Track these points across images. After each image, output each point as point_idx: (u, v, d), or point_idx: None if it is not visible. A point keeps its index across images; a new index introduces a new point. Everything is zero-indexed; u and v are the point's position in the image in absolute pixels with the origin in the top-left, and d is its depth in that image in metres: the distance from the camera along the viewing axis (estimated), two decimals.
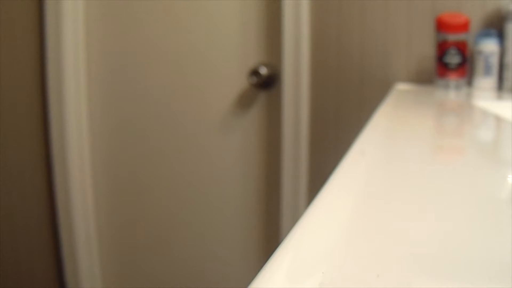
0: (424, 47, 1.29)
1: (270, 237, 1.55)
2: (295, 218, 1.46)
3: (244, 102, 1.51)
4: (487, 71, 1.16)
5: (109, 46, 1.61)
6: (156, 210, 1.65)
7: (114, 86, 1.62)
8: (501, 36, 1.19)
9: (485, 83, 1.16)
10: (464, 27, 1.15)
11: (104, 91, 1.63)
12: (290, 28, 1.38)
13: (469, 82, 1.23)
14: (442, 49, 1.16)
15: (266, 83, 1.45)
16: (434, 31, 1.28)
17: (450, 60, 1.16)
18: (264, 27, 1.46)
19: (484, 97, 1.08)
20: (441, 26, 1.15)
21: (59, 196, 1.63)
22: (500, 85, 1.18)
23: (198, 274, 1.64)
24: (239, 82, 1.51)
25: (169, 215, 1.64)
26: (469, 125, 0.82)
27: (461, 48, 1.15)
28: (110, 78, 1.62)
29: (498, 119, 0.82)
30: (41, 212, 1.69)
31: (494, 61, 1.15)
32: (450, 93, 1.15)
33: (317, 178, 1.43)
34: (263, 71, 1.43)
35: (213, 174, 1.57)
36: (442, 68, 1.17)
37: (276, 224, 1.53)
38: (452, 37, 1.15)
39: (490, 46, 1.15)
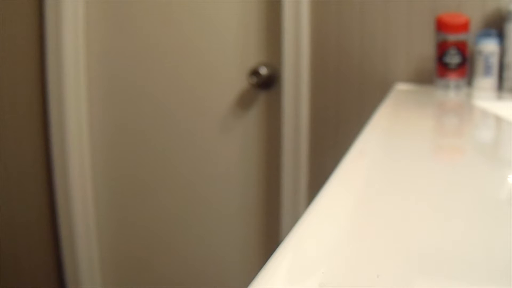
0: (424, 47, 1.29)
1: (270, 237, 1.55)
2: (295, 218, 1.46)
3: (244, 102, 1.51)
4: (487, 71, 1.16)
5: (109, 46, 1.61)
6: (156, 210, 1.65)
7: (114, 86, 1.62)
8: (501, 36, 1.19)
9: (485, 83, 1.16)
10: (464, 27, 1.15)
11: (104, 91, 1.63)
12: (290, 28, 1.38)
13: (469, 82, 1.23)
14: (442, 49, 1.16)
15: (266, 83, 1.45)
16: (434, 31, 1.28)
17: (450, 60, 1.16)
18: (264, 27, 1.46)
19: (484, 97, 1.08)
20: (441, 26, 1.15)
21: (59, 196, 1.63)
22: (500, 85, 1.18)
23: (198, 274, 1.64)
24: (239, 82, 1.51)
25: (169, 215, 1.64)
26: (469, 125, 0.82)
27: (461, 48, 1.15)
28: (110, 78, 1.62)
29: (498, 119, 0.82)
30: (41, 212, 1.69)
31: (494, 61, 1.15)
32: (450, 93, 1.15)
33: (317, 178, 1.43)
34: (263, 71, 1.43)
35: (213, 174, 1.57)
36: (442, 68, 1.17)
37: (276, 224, 1.53)
38: (452, 37, 1.15)
39: (490, 46, 1.15)
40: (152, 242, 1.67)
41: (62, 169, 1.61)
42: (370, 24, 1.33)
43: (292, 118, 1.41)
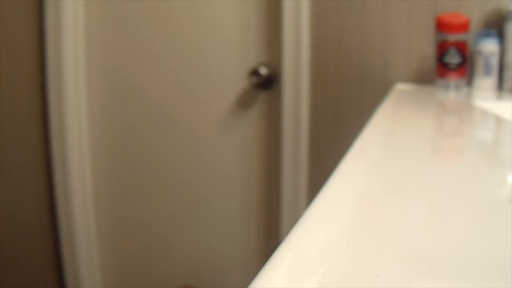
0: (424, 47, 1.29)
1: (270, 237, 1.55)
2: (295, 218, 1.46)
3: (244, 102, 1.51)
4: (487, 71, 1.16)
5: (109, 46, 1.61)
6: (156, 210, 1.65)
7: (114, 86, 1.62)
8: (501, 36, 1.19)
9: (485, 83, 1.16)
10: (464, 27, 1.15)
11: (104, 91, 1.63)
12: (290, 28, 1.38)
13: (469, 82, 1.23)
14: (442, 49, 1.16)
15: (266, 83, 1.45)
16: (434, 31, 1.28)
17: (450, 60, 1.16)
18: (264, 27, 1.46)
19: (484, 97, 1.08)
20: (441, 26, 1.15)
21: (59, 196, 1.63)
22: (500, 85, 1.18)
23: (198, 274, 1.64)
24: (239, 82, 1.51)
25: (169, 214, 1.64)
26: (469, 125, 0.82)
27: (461, 48, 1.15)
28: (110, 78, 1.62)
29: (498, 119, 0.83)
30: (41, 212, 1.69)
31: (494, 61, 1.15)
32: (450, 93, 1.15)
33: (317, 178, 1.43)
34: (263, 71, 1.43)
35: (213, 174, 1.57)
36: (442, 68, 1.17)
37: (276, 224, 1.53)
38: (452, 37, 1.15)
39: (490, 46, 1.15)
40: (152, 242, 1.67)
41: (62, 169, 1.61)
42: (370, 24, 1.33)
43: (292, 118, 1.41)
